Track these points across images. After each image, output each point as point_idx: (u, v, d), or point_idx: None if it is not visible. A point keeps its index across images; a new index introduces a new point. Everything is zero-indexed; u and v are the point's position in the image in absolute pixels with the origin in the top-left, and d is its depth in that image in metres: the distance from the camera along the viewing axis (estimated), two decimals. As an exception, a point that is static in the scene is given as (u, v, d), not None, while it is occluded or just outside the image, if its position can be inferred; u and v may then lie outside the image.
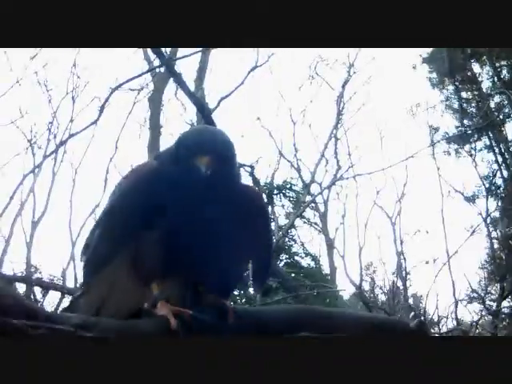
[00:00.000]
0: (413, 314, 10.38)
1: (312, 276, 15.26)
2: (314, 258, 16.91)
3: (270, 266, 2.28)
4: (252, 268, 2.14)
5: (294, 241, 16.47)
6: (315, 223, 17.68)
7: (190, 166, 1.77)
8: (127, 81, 11.83)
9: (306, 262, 16.31)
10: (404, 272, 16.00)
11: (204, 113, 6.44)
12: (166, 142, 15.89)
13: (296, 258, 16.05)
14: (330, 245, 17.65)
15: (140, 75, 11.66)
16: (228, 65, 24.16)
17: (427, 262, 15.02)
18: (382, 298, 17.07)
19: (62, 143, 13.86)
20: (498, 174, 17.14)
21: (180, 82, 5.95)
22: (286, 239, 15.72)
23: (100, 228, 1.97)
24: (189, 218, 1.80)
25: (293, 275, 14.55)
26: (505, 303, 13.58)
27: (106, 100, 15.42)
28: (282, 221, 15.96)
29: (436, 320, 14.12)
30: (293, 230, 16.22)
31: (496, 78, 18.49)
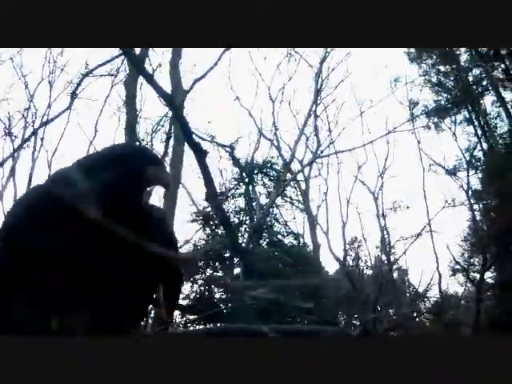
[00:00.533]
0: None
1: (294, 254, 15.25)
2: (297, 236, 16.88)
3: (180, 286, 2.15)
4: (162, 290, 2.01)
5: (276, 220, 16.41)
6: (298, 201, 17.59)
7: None
8: (97, 67, 11.60)
9: (288, 240, 16.28)
10: (388, 246, 16.06)
11: (172, 106, 6.33)
12: (143, 124, 15.87)
13: (278, 236, 15.99)
14: (313, 222, 17.59)
15: (109, 61, 11.43)
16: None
17: (411, 236, 15.08)
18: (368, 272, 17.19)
19: (37, 129, 13.69)
20: (478, 147, 17.18)
21: (146, 76, 5.80)
22: (268, 218, 15.68)
23: None
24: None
25: (276, 253, 14.54)
26: (488, 274, 13.68)
27: (78, 86, 15.26)
28: (264, 200, 15.94)
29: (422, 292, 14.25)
30: (274, 209, 16.18)
31: (474, 52, 18.46)
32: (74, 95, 14.89)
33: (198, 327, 12.55)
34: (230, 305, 13.13)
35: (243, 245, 13.55)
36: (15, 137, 14.87)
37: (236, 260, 12.65)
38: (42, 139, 15.26)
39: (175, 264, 1.96)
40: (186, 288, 13.67)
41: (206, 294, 13.49)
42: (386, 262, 15.76)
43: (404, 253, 15.01)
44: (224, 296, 13.76)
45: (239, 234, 14.82)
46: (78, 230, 1.60)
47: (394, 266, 16.62)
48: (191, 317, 12.93)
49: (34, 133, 13.88)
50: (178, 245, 2.06)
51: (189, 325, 12.60)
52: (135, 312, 1.91)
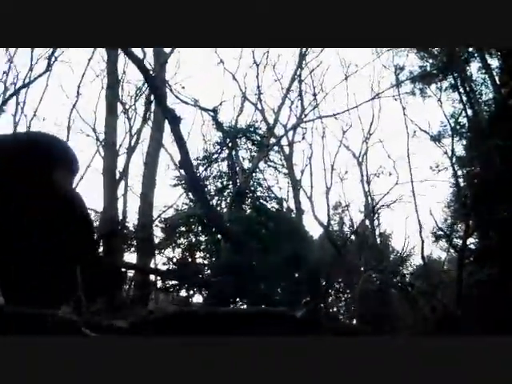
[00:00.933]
0: (304, 301, 10.47)
1: (277, 219, 15.16)
2: (280, 201, 16.77)
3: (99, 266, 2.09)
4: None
5: (260, 184, 16.26)
6: (281, 165, 17.42)
7: None
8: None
9: (271, 205, 16.15)
10: (372, 212, 16.04)
11: (144, 72, 6.31)
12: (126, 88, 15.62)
13: (261, 201, 15.86)
14: (296, 187, 17.49)
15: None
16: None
17: (394, 201, 15.08)
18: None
19: (17, 91, 13.48)
20: (463, 113, 17.04)
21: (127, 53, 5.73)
22: (251, 183, 15.55)
23: None
24: None
25: (258, 219, 14.47)
26: (470, 240, 13.71)
27: (54, 51, 14.88)
28: (247, 165, 15.77)
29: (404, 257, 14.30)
30: (258, 173, 16.03)
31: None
32: (51, 59, 14.61)
33: (180, 294, 12.52)
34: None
35: (224, 210, 13.47)
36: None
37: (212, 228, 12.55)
38: (24, 103, 15.06)
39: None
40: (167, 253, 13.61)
41: (188, 259, 13.38)
42: (369, 227, 15.77)
43: (386, 218, 15.06)
44: (205, 261, 13.68)
45: (222, 199, 14.69)
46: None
47: (377, 231, 16.66)
48: (172, 282, 12.84)
49: (14, 95, 13.60)
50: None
51: (171, 290, 12.53)
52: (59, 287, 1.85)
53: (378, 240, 16.76)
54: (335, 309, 17.94)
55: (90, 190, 23.38)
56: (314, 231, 16.68)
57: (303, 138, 18.47)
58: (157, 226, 13.82)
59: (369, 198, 16.61)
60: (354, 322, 14.44)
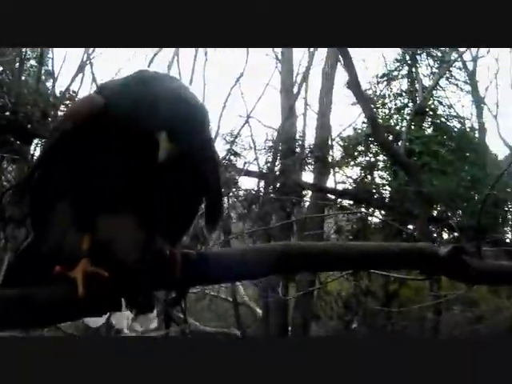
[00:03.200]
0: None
1: (458, 139, 14.41)
2: (462, 120, 15.86)
3: (222, 202, 1.91)
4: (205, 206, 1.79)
5: (440, 103, 15.46)
6: (464, 82, 16.31)
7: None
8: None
9: (452, 124, 15.34)
10: None
11: None
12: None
13: (442, 120, 15.11)
14: (480, 105, 16.35)
15: None
16: None
17: None
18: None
19: None
20: None
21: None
22: (431, 101, 14.84)
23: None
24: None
25: (439, 138, 13.86)
26: None
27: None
28: (427, 82, 15.04)
29: None
30: (439, 91, 15.22)
31: None
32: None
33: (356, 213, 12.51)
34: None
35: (403, 129, 13.01)
36: None
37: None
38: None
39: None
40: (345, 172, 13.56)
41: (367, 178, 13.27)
42: None
43: None
44: (385, 181, 13.46)
45: (401, 118, 14.21)
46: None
47: None
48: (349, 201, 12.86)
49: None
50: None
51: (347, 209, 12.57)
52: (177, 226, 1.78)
53: None
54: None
55: (268, 107, 23.93)
56: (499, 152, 15.48)
57: (488, 52, 17.04)
58: (333, 145, 13.82)
59: None
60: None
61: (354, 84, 8.09)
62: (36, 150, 11.78)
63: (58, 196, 1.70)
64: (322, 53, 14.03)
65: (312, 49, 14.27)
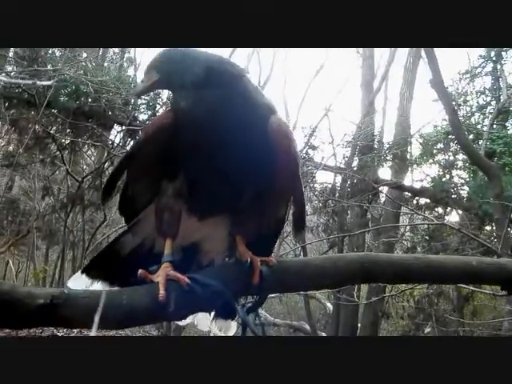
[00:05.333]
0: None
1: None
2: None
3: (305, 211, 1.84)
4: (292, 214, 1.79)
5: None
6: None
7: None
8: None
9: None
10: None
11: None
12: None
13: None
14: None
15: None
16: None
17: None
18: None
19: None
20: None
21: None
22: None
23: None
24: (209, 164, 1.59)
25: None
26: None
27: None
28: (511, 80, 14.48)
29: None
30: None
31: None
32: None
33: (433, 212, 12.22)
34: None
35: (485, 128, 12.60)
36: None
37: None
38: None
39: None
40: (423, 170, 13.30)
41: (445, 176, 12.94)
42: None
43: None
44: (463, 180, 13.09)
45: (484, 116, 13.76)
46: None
47: None
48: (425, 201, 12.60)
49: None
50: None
51: (424, 208, 12.32)
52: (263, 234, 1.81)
53: None
54: None
55: (348, 103, 23.69)
56: None
57: None
58: (411, 142, 13.57)
59: None
60: None
61: (437, 82, 7.91)
62: (116, 136, 12.15)
63: (144, 202, 1.81)
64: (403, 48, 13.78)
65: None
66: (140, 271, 1.61)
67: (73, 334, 8.05)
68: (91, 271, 1.84)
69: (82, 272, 1.83)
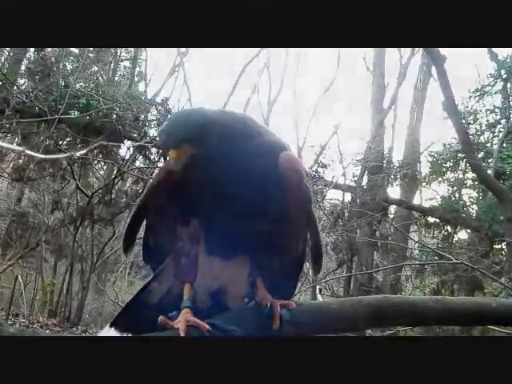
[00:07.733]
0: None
1: None
2: None
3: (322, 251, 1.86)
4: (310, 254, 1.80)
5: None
6: None
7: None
8: None
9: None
10: None
11: None
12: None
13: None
14: None
15: None
16: None
17: None
18: None
19: None
20: None
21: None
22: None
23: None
24: (220, 206, 1.60)
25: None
26: None
27: None
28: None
29: None
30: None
31: None
32: None
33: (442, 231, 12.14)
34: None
35: (494, 146, 12.54)
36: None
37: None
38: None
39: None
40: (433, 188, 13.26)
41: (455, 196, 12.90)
42: None
43: None
44: (473, 199, 13.03)
45: (493, 135, 13.71)
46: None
47: None
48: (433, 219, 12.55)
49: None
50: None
51: (433, 226, 12.26)
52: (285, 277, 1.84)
53: None
54: None
55: (358, 122, 23.74)
56: None
57: None
58: (420, 161, 13.53)
59: None
60: None
61: (449, 106, 7.89)
62: (127, 152, 12.18)
63: (166, 250, 1.83)
64: (414, 65, 13.82)
65: (404, 62, 14.07)
66: (160, 318, 1.64)
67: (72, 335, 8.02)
68: (119, 324, 1.85)
69: (111, 326, 1.84)
